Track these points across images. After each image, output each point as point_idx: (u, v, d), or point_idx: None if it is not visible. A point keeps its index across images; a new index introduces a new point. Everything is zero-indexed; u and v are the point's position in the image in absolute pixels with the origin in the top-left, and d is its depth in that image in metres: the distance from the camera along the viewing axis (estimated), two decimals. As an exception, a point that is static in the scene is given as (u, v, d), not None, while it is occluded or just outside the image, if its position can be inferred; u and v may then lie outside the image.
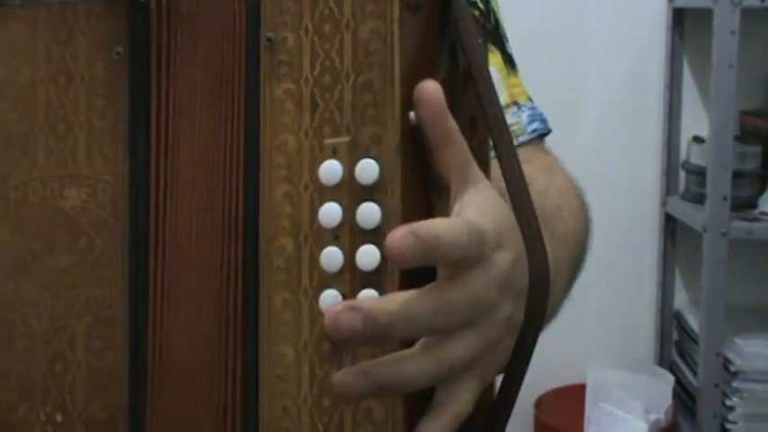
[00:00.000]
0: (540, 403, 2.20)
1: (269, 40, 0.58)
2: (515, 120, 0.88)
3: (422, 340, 0.54)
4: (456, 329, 0.54)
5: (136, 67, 0.62)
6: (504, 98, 0.88)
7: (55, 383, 0.61)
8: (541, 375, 2.30)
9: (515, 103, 0.90)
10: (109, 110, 0.62)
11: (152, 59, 0.61)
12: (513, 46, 0.91)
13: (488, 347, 0.56)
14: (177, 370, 0.59)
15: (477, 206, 0.56)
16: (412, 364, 0.53)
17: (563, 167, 0.88)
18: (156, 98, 0.61)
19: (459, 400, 0.55)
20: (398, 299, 0.52)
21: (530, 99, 0.92)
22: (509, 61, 0.91)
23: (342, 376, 0.52)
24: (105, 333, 0.61)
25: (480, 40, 0.62)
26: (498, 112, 0.59)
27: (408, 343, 0.54)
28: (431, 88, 0.55)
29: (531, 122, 0.89)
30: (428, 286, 0.54)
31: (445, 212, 0.57)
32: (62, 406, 0.61)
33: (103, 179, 0.61)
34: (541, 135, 0.91)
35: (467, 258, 0.54)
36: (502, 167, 0.58)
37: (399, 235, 0.50)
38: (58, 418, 0.61)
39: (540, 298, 0.57)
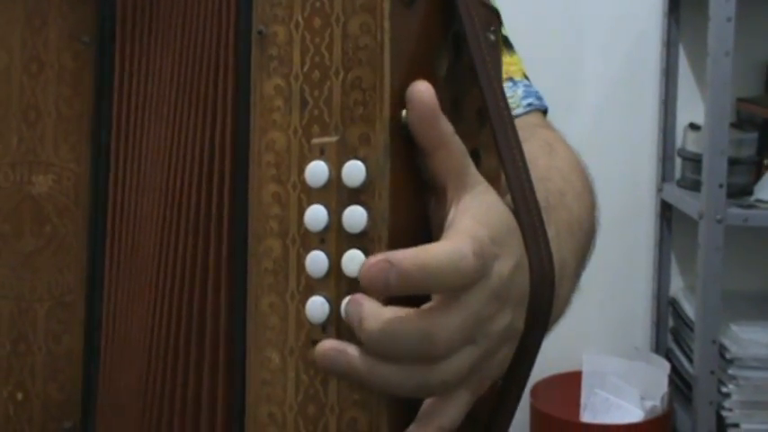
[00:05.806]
0: (536, 390, 2.20)
1: (260, 33, 0.56)
2: (510, 94, 0.86)
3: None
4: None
5: (102, 56, 0.62)
6: None
7: (18, 363, 0.63)
8: (537, 362, 2.30)
9: (510, 79, 0.88)
10: (76, 98, 0.62)
11: (116, 48, 0.61)
12: (511, 33, 0.91)
13: (483, 360, 0.53)
14: (127, 358, 0.60)
15: (473, 214, 0.53)
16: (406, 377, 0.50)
17: (564, 142, 0.85)
18: (118, 87, 0.61)
19: (447, 413, 0.52)
20: (434, 314, 0.49)
21: (526, 77, 0.90)
22: (504, 42, 0.89)
23: (330, 350, 0.50)
24: (64, 317, 0.62)
25: (493, 28, 0.59)
26: (503, 106, 0.56)
27: None
28: (421, 89, 0.52)
29: (526, 97, 0.88)
30: (437, 304, 0.51)
31: (441, 218, 0.54)
32: (23, 385, 0.62)
33: (68, 167, 0.62)
34: (538, 110, 0.88)
35: (473, 282, 0.50)
36: (504, 166, 0.55)
37: (373, 262, 0.47)
38: (19, 396, 0.62)
39: (542, 305, 0.55)
